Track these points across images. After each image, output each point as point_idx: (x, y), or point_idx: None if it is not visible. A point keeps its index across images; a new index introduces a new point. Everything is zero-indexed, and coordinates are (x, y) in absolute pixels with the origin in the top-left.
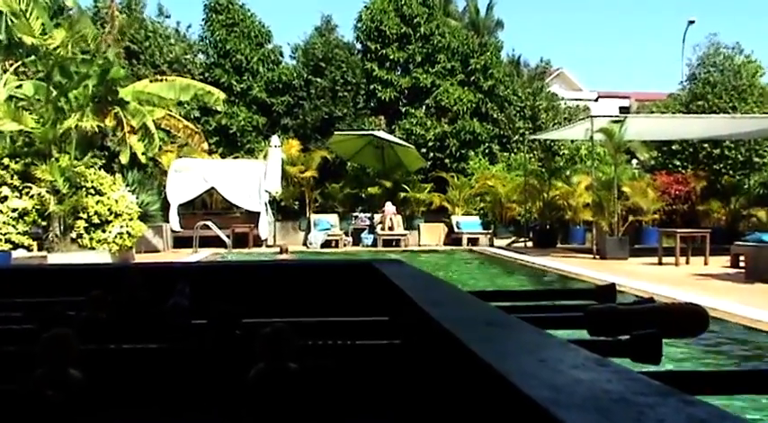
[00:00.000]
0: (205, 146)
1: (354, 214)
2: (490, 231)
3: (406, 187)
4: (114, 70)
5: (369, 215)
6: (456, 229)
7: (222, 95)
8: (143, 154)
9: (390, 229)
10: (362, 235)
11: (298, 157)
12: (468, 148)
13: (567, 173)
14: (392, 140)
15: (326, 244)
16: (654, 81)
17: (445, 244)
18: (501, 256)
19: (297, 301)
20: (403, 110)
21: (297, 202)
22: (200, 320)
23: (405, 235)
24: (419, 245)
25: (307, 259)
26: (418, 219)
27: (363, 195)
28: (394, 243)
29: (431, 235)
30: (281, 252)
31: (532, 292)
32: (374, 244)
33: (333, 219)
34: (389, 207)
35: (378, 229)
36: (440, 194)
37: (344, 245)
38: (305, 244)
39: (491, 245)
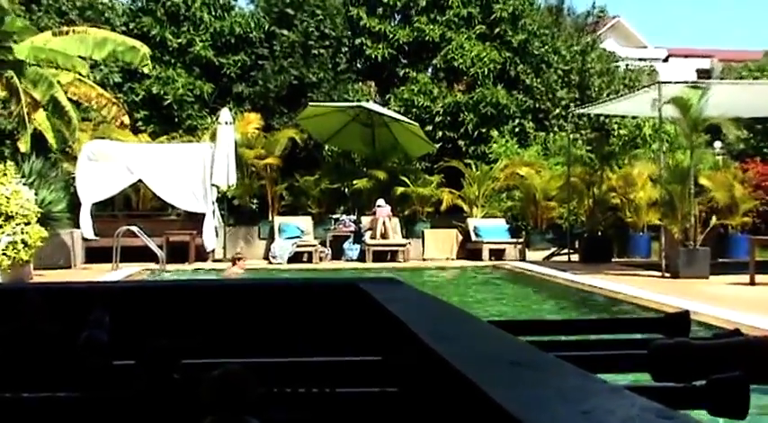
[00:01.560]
0: (127, 120)
1: (334, 217)
2: (521, 240)
3: (405, 180)
4: (9, 21)
5: (354, 218)
6: (474, 238)
7: (149, 52)
8: (58, 139)
9: (384, 236)
10: (345, 245)
11: (257, 137)
12: (491, 126)
13: (626, 160)
14: (386, 115)
15: (296, 258)
16: (744, 35)
17: (459, 257)
18: (536, 274)
19: (256, 334)
20: (401, 73)
21: (255, 201)
22: (125, 361)
23: (403, 245)
24: (423, 259)
25: (269, 278)
26: (422, 223)
27: (347, 191)
28: (389, 256)
29: (439, 245)
30: (234, 262)
31: (577, 322)
32: (361, 257)
33: (305, 223)
34: (382, 207)
35: (366, 238)
36: (452, 191)
37: (321, 259)
38: (267, 258)
39: (522, 259)
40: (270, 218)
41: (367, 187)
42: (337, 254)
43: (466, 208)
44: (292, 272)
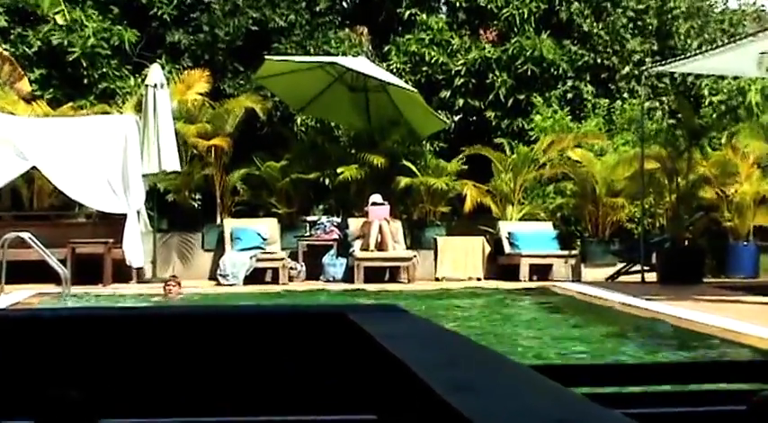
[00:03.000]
0: (27, 86)
1: (310, 220)
2: (574, 252)
3: (410, 167)
4: None
5: (338, 221)
6: (508, 249)
7: None
8: None
9: (380, 247)
10: (326, 259)
11: (200, 107)
12: (533, 91)
13: (723, 139)
14: (384, 79)
15: (255, 276)
16: None
17: (488, 277)
18: (595, 299)
19: (200, 382)
20: (405, 15)
21: (198, 197)
22: (12, 418)
23: (408, 259)
24: (436, 278)
25: (219, 306)
26: (435, 228)
27: (328, 183)
28: (387, 275)
29: (459, 259)
30: (166, 289)
31: (652, 367)
32: (348, 277)
33: (268, 228)
34: (379, 205)
35: (356, 249)
36: (477, 183)
37: (290, 278)
38: (215, 277)
39: (576, 279)
40: (218, 221)
41: (357, 177)
42: (314, 271)
43: (496, 208)
44: (250, 296)
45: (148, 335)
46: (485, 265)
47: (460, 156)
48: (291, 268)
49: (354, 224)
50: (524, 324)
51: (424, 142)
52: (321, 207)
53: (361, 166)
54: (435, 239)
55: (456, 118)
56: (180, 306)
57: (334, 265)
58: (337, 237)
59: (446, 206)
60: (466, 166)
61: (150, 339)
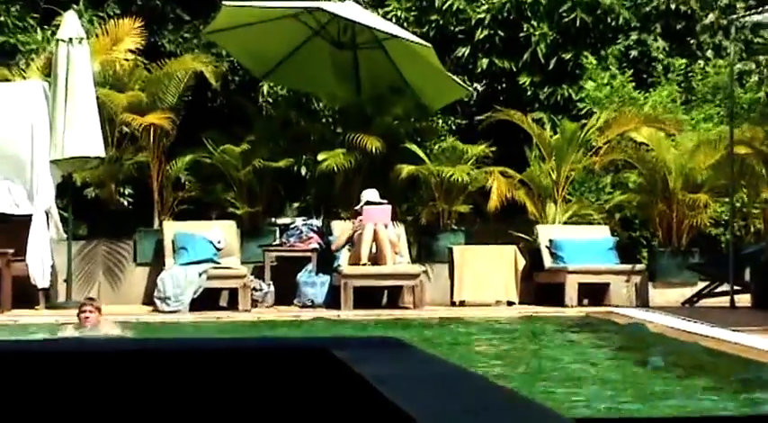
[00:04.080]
0: None
1: (280, 223)
2: (640, 267)
3: (417, 151)
4: None
5: (318, 225)
6: (549, 262)
7: None
8: None
9: (376, 260)
10: (302, 276)
11: (132, 71)
12: (582, 48)
13: None
14: (383, 29)
15: (206, 300)
16: None
17: (522, 300)
18: (670, 330)
19: None
20: None
21: (129, 193)
22: None
23: (414, 276)
24: (452, 302)
25: (159, 339)
26: (451, 235)
27: (305, 172)
28: (385, 298)
29: (483, 276)
30: (80, 317)
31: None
32: (332, 301)
33: (223, 234)
34: (374, 204)
35: (343, 263)
36: (506, 171)
37: (254, 302)
38: (151, 301)
39: (642, 304)
40: (156, 225)
41: (344, 166)
42: (286, 293)
43: (533, 206)
44: (199, 328)
45: (57, 377)
46: (518, 285)
47: (483, 133)
48: (255, 289)
49: (341, 229)
50: (575, 364)
51: (435, 118)
52: (296, 206)
53: (350, 150)
54: (451, 250)
55: (478, 85)
56: (95, 338)
57: (314, 284)
58: (317, 246)
59: (465, 205)
60: (492, 151)
61: (60, 382)
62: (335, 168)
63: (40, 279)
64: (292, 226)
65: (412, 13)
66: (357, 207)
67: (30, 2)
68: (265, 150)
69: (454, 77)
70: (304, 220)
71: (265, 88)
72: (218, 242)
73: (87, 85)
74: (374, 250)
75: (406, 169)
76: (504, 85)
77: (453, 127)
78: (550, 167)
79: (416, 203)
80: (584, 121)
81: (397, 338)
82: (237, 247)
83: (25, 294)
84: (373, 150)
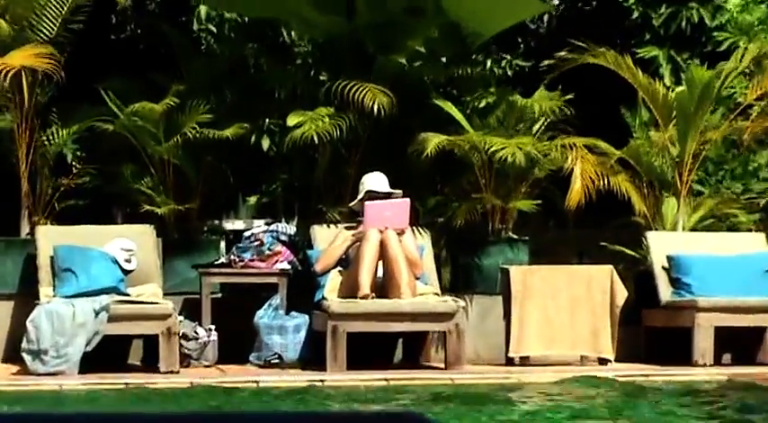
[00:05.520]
0: None
1: (229, 228)
2: None
3: (448, 109)
4: None
5: (288, 232)
6: (668, 293)
7: None
8: None
9: (383, 288)
10: (263, 317)
11: None
12: None
13: None
14: None
15: (106, 353)
16: None
17: (625, 356)
18: None
19: None
20: None
21: None
22: None
23: (446, 316)
24: (508, 360)
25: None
26: (506, 248)
27: (267, 146)
28: (400, 351)
29: (558, 316)
30: None
31: None
32: (309, 355)
33: (135, 246)
34: (380, 201)
35: (327, 293)
36: (595, 147)
37: (184, 359)
38: (18, 357)
39: None
40: (24, 231)
41: (330, 135)
42: (238, 343)
43: (640, 201)
44: (97, 400)
45: None
46: (616, 331)
47: (557, 70)
48: (187, 337)
49: (326, 238)
50: None
51: (479, 57)
52: (253, 202)
53: (340, 110)
54: (506, 273)
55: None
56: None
57: (282, 329)
58: (289, 267)
59: (530, 199)
60: (572, 114)
61: None
62: (317, 139)
63: None
64: (248, 234)
65: None
66: (353, 203)
67: None
68: (203, 111)
69: None
70: (267, 225)
71: (203, 11)
72: (127, 261)
73: None
74: (381, 273)
75: (432, 141)
76: (594, 4)
77: (509, 73)
78: (668, 139)
79: (450, 197)
80: (723, 64)
81: (414, 414)
82: (158, 268)
83: None
84: (378, 110)
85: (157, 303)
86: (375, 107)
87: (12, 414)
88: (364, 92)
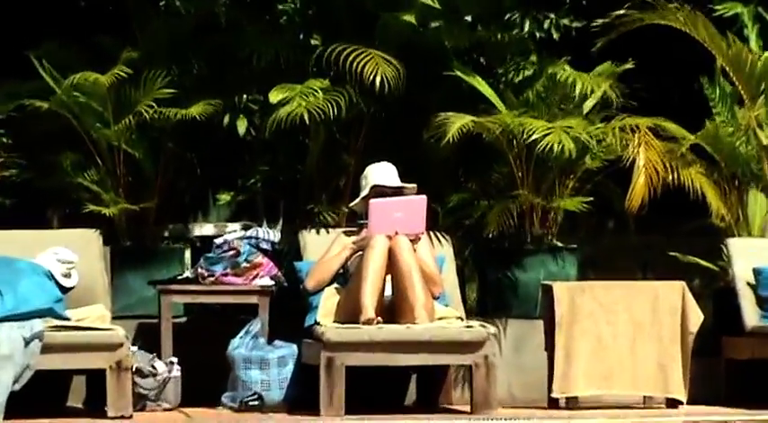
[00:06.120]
0: None
1: (196, 234)
2: None
3: (475, 83)
4: None
5: (270, 238)
6: (756, 317)
7: None
8: None
9: (392, 310)
10: (238, 347)
11: None
12: None
13: None
14: None
15: (40, 392)
16: None
17: (701, 396)
18: None
19: None
20: None
21: None
22: None
23: (472, 346)
24: (553, 401)
25: None
26: (548, 259)
27: (243, 129)
28: (412, 390)
29: (618, 345)
30: None
31: None
32: (298, 396)
33: (73, 256)
34: (388, 199)
35: (320, 317)
36: (661, 130)
37: (141, 400)
38: None
39: None
40: None
41: (323, 115)
42: (207, 381)
43: (718, 200)
44: None
45: None
46: (689, 364)
47: (611, 34)
48: (142, 373)
49: (319, 247)
50: None
51: (515, 17)
52: (226, 200)
53: (337, 84)
54: (549, 291)
55: None
56: None
57: (263, 362)
58: (271, 282)
59: (577, 196)
60: (629, 85)
61: None
62: (307, 120)
63: None
64: (220, 242)
65: None
66: (355, 203)
67: None
68: (162, 84)
69: None
70: (244, 230)
71: None
72: (65, 275)
73: None
74: (390, 291)
75: (454, 124)
76: None
77: (554, 36)
78: (756, 119)
79: (477, 195)
80: None
81: None
82: (105, 284)
83: None
84: (383, 82)
85: (105, 330)
86: (377, 80)
87: None
88: (365, 60)
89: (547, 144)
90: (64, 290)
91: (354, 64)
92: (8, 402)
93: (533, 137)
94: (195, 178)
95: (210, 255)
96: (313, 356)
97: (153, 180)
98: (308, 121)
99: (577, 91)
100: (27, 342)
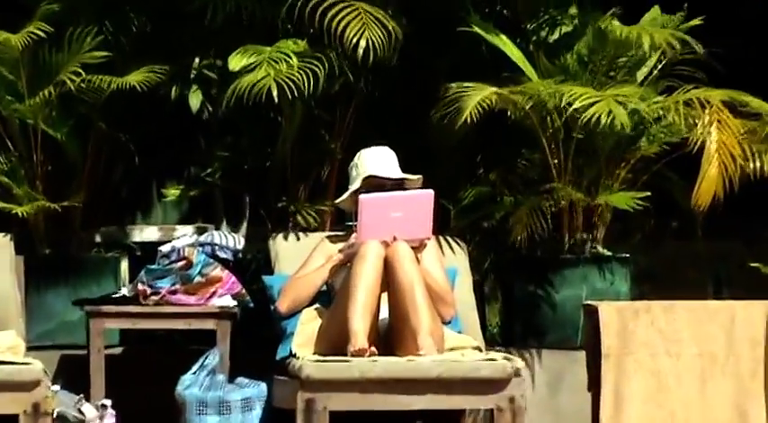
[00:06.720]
0: None
1: (136, 240)
2: None
3: (497, 42)
4: None
5: (230, 245)
6: None
7: None
8: None
9: (390, 339)
10: (191, 386)
11: None
12: None
13: None
14: None
15: None
16: None
17: None
18: None
19: None
20: None
21: None
22: None
23: (495, 384)
24: None
25: None
26: (594, 271)
27: (197, 103)
28: None
29: (683, 379)
30: None
31: None
32: None
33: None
34: (384, 194)
35: (296, 346)
36: (740, 105)
37: None
38: None
39: None
40: None
41: (301, 87)
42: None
43: None
44: None
45: None
46: None
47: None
48: (65, 419)
49: (294, 256)
50: None
51: None
52: (174, 195)
53: (317, 47)
54: (595, 313)
55: None
56: None
57: (222, 404)
58: (233, 302)
59: (630, 191)
60: (698, 47)
61: None
62: (276, 94)
63: None
64: (167, 249)
65: None
66: (340, 199)
67: None
68: (91, 45)
69: None
70: (198, 234)
71: None
72: None
73: None
74: (386, 313)
75: (472, 98)
76: None
77: None
78: None
79: (499, 189)
80: None
81: None
82: (17, 304)
83: None
84: (375, 44)
85: (17, 364)
86: (361, 45)
87: None
88: (347, 18)
89: (592, 115)
90: None
91: (335, 23)
92: None
93: (574, 105)
94: (134, 168)
95: (154, 266)
96: (287, 398)
97: (80, 170)
98: (276, 97)
99: (646, 47)
100: None
